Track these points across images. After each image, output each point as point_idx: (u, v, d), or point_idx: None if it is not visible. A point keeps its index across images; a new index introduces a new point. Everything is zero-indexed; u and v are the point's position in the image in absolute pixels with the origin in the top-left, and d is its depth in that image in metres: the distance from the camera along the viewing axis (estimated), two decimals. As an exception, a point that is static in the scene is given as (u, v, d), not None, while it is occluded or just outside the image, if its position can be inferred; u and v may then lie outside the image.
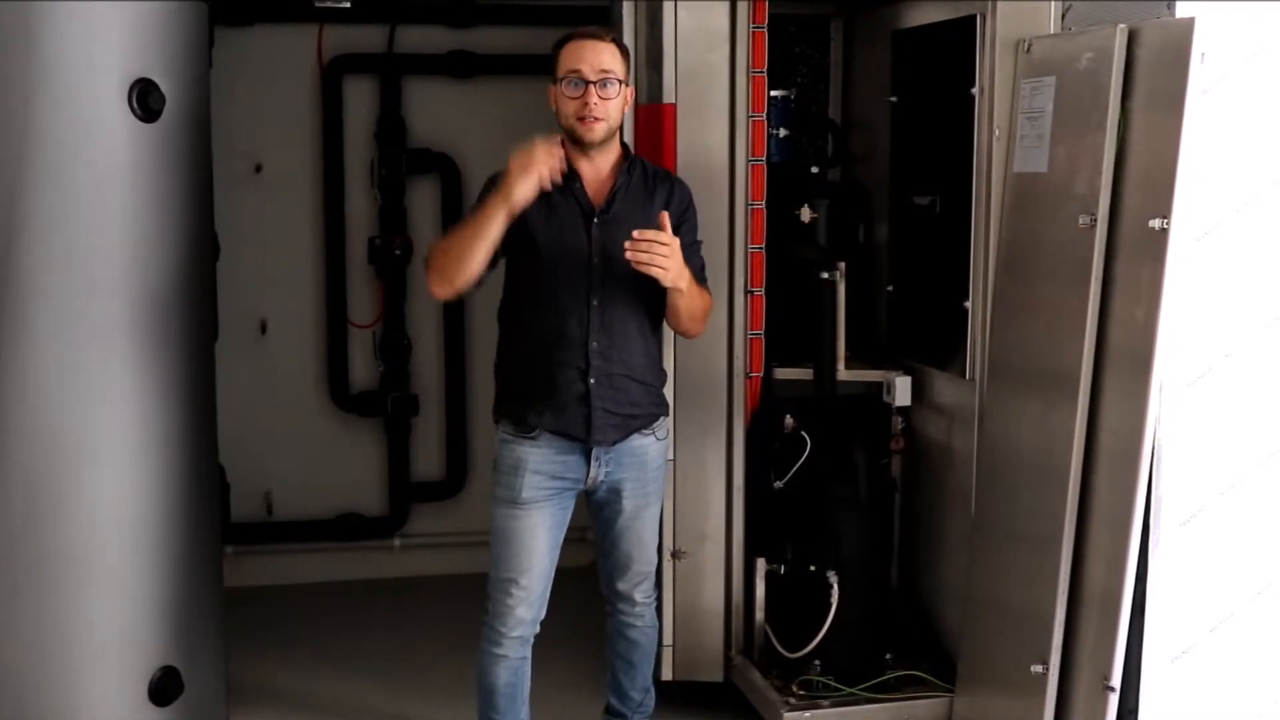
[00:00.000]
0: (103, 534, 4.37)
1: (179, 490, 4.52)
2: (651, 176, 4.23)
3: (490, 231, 3.98)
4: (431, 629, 5.99)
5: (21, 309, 4.22)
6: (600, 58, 4.04)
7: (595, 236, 4.09)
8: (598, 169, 4.16)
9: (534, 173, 3.91)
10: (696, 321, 4.23)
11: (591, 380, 4.09)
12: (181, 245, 4.47)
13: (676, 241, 3.97)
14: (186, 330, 4.52)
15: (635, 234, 3.92)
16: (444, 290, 4.10)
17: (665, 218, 4.00)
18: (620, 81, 4.08)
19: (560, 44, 4.12)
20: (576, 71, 4.04)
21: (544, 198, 4.08)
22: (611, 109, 4.07)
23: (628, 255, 3.91)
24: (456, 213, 6.33)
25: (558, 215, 4.10)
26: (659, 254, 3.91)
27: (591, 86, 4.03)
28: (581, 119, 4.05)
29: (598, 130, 4.07)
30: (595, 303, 4.09)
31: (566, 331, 4.09)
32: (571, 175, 4.12)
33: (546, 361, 4.11)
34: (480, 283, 4.13)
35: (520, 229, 4.06)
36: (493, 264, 4.13)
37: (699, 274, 4.20)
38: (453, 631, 5.70)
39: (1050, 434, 4.13)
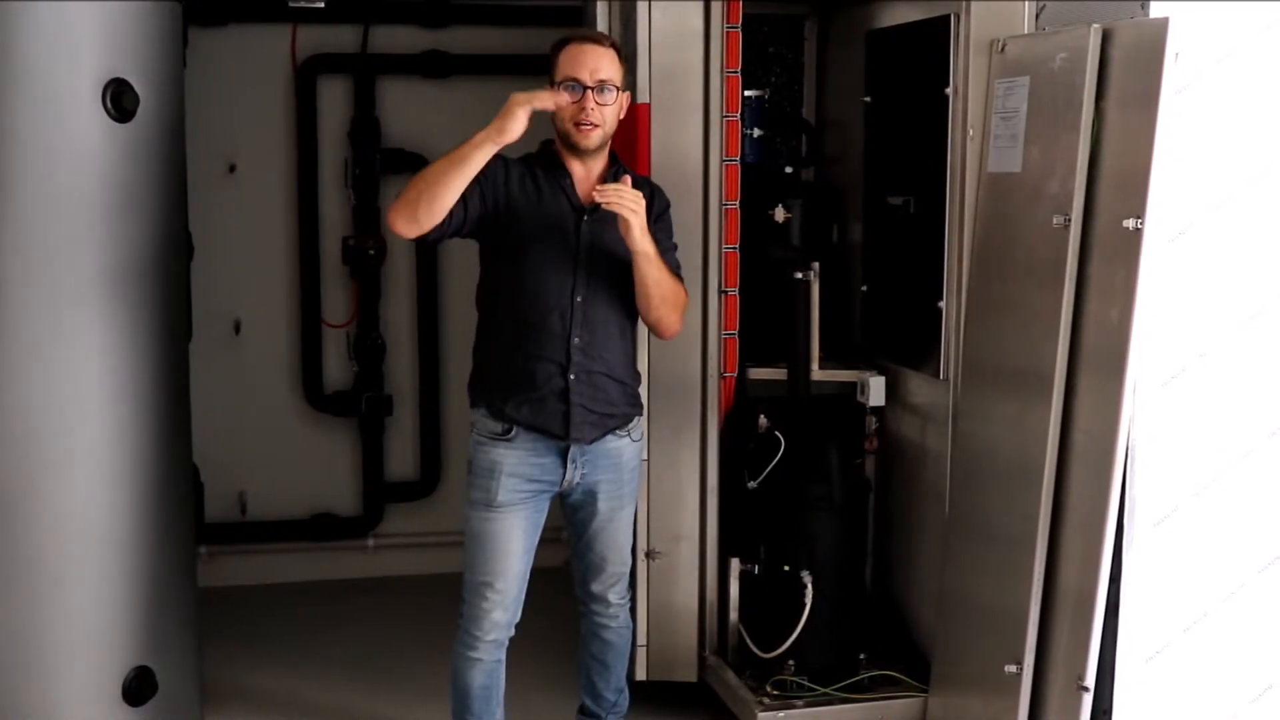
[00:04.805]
0: (76, 534, 4.36)
1: (152, 490, 4.50)
2: (634, 184, 4.21)
3: (474, 160, 3.90)
4: (405, 629, 5.97)
5: (-7, 309, 4.22)
6: (600, 64, 4.04)
7: (584, 234, 4.10)
8: (589, 171, 4.16)
9: (537, 103, 3.90)
10: (668, 306, 4.16)
11: (571, 376, 4.09)
12: (155, 245, 4.46)
13: (640, 196, 3.98)
14: (160, 330, 4.50)
15: (598, 187, 3.96)
16: (408, 224, 4.00)
17: (626, 180, 4.04)
18: (617, 88, 4.08)
19: (559, 46, 4.11)
20: (574, 78, 4.03)
21: (534, 188, 4.10)
22: (608, 115, 4.08)
23: (597, 198, 3.94)
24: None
25: (547, 207, 4.11)
26: (626, 198, 3.93)
27: (589, 92, 4.03)
28: (578, 124, 4.05)
29: (593, 137, 4.07)
30: (579, 299, 4.09)
31: (549, 325, 4.09)
32: (563, 172, 4.14)
33: (527, 354, 4.10)
34: (441, 234, 4.05)
35: (507, 215, 4.07)
36: (460, 230, 4.07)
37: (675, 270, 4.20)
38: (427, 631, 5.68)
39: (1024, 434, 4.13)
